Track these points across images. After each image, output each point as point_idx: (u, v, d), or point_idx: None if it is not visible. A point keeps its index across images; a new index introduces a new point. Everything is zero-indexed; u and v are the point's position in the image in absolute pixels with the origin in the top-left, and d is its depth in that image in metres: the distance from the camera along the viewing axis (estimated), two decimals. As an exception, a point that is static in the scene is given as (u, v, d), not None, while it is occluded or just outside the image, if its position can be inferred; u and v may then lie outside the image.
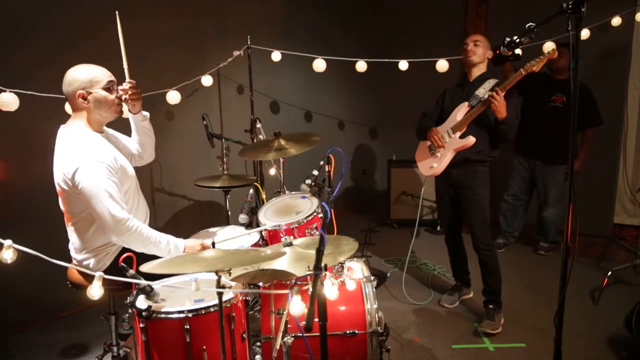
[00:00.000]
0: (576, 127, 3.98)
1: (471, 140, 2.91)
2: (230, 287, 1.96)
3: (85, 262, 2.23)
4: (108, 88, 2.19)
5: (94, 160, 2.05)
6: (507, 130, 2.86)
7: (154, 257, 1.98)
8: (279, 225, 2.54)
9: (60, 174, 2.10)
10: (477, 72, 3.02)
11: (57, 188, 2.17)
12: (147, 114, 2.50)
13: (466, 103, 2.98)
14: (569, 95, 3.82)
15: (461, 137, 2.97)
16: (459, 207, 3.16)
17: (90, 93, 2.15)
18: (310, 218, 2.57)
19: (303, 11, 4.86)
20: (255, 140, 3.77)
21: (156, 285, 1.97)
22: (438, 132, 3.05)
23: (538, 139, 4.02)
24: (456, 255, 3.39)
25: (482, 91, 2.92)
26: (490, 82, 2.94)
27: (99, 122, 2.24)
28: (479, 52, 2.97)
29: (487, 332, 2.96)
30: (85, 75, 2.15)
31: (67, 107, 2.96)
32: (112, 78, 2.23)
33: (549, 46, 3.86)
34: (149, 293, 1.86)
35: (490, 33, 4.93)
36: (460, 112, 2.99)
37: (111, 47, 3.37)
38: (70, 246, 2.30)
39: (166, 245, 2.20)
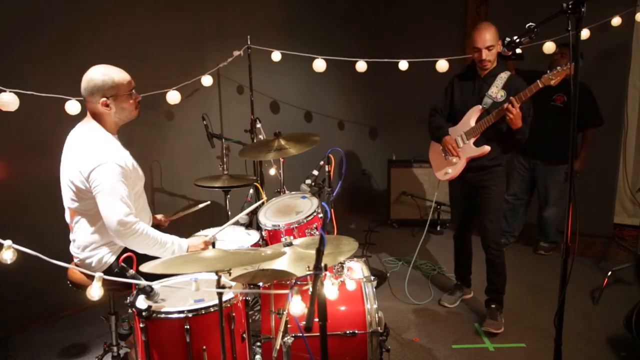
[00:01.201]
0: (576, 127, 4.00)
1: (486, 149, 2.89)
2: (230, 287, 1.96)
3: (87, 261, 2.23)
4: (129, 94, 2.20)
5: (111, 162, 2.07)
6: (522, 138, 2.83)
7: (154, 257, 1.99)
8: (279, 225, 2.54)
9: (75, 172, 2.10)
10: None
11: (69, 184, 2.16)
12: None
13: (479, 106, 2.90)
14: (570, 95, 3.83)
15: (475, 143, 2.92)
16: (472, 206, 3.12)
17: (114, 101, 2.16)
18: (310, 218, 2.57)
19: (303, 11, 4.86)
20: (255, 140, 3.77)
21: (156, 285, 1.98)
22: (453, 142, 2.99)
23: (538, 139, 4.01)
24: (462, 255, 3.37)
25: (495, 90, 2.85)
26: (502, 78, 2.86)
27: (116, 124, 2.26)
28: (493, 56, 2.85)
29: (490, 332, 2.95)
30: (107, 81, 2.13)
31: (68, 107, 2.97)
32: (133, 83, 2.23)
33: (549, 47, 3.86)
34: (149, 293, 1.86)
35: (490, 33, 4.93)
36: (474, 117, 2.92)
37: (110, 46, 3.40)
38: (72, 245, 2.30)
39: (171, 246, 2.21)
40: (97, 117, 2.20)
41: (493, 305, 3.07)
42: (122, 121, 2.27)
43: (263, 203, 2.87)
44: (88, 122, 2.21)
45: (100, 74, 2.14)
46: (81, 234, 2.23)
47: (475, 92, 2.95)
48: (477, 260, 3.30)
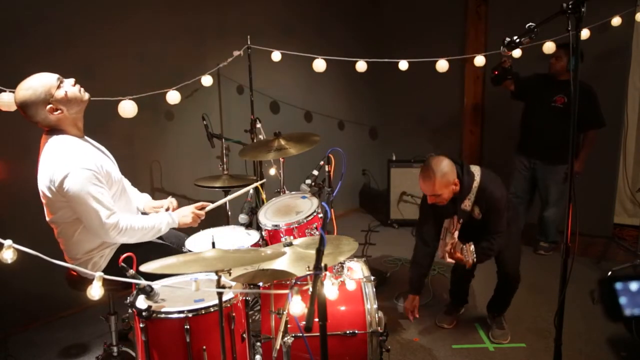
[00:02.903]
0: (577, 128, 3.99)
1: (448, 261, 2.77)
2: (230, 287, 1.96)
3: (81, 267, 2.21)
4: (59, 85, 2.08)
5: (81, 167, 2.03)
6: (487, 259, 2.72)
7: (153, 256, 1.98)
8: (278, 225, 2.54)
9: (45, 181, 2.07)
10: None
11: (43, 198, 2.15)
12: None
13: (456, 219, 2.73)
14: (570, 96, 3.84)
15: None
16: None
17: (57, 100, 2.06)
18: (310, 218, 2.57)
19: (303, 11, 4.87)
20: (255, 140, 3.77)
21: (156, 285, 1.97)
22: (411, 306, 2.87)
23: (539, 139, 4.02)
24: (462, 284, 3.18)
25: (468, 203, 2.67)
26: (473, 193, 2.66)
27: (76, 124, 2.18)
28: (445, 197, 2.62)
29: (501, 343, 2.89)
30: (38, 89, 2.04)
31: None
32: (55, 75, 2.10)
33: (549, 47, 3.86)
34: (149, 293, 1.86)
35: (490, 33, 4.94)
36: (453, 227, 2.75)
37: (109, 46, 3.40)
38: (65, 257, 2.29)
39: (158, 225, 2.25)
40: (55, 129, 2.13)
41: (496, 313, 3.02)
42: (78, 113, 2.16)
43: (262, 184, 2.89)
44: (51, 136, 2.13)
45: (26, 91, 2.04)
46: (67, 245, 2.23)
47: (447, 210, 2.76)
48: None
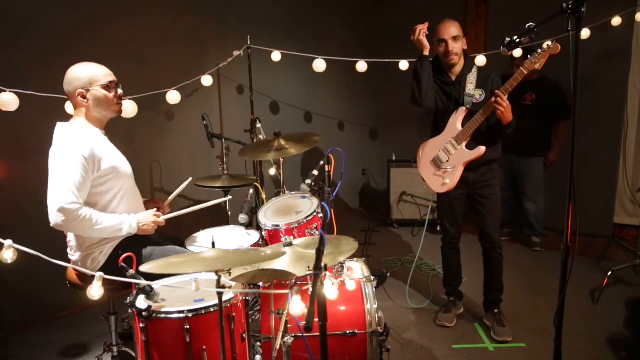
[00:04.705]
0: (549, 120, 4.07)
1: (482, 150, 2.71)
2: (230, 287, 1.96)
3: (81, 263, 2.23)
4: (107, 86, 2.22)
5: (75, 149, 2.08)
6: (512, 132, 2.74)
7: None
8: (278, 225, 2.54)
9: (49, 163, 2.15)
10: (458, 68, 2.84)
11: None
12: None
13: (463, 108, 2.78)
14: (538, 94, 3.98)
15: (468, 146, 2.76)
16: (467, 209, 3.02)
17: (89, 91, 2.19)
18: (310, 218, 2.57)
19: (303, 11, 4.87)
20: (255, 140, 3.77)
21: (156, 285, 1.97)
22: (420, 28, 2.97)
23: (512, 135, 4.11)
24: (455, 267, 3.19)
25: (471, 88, 2.76)
26: (473, 73, 2.79)
27: (98, 121, 2.27)
28: (460, 49, 2.80)
29: (505, 341, 2.88)
30: (85, 74, 2.19)
31: (67, 107, 2.97)
32: (112, 77, 2.26)
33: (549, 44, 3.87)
34: (149, 293, 1.86)
35: (490, 33, 4.94)
36: (459, 120, 2.79)
37: (109, 46, 3.40)
38: (68, 246, 2.31)
39: (116, 225, 2.17)
40: (79, 113, 2.24)
41: (496, 310, 3.02)
42: (104, 117, 2.28)
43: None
44: (73, 119, 2.25)
45: (80, 67, 2.21)
46: (71, 236, 2.26)
47: (452, 94, 2.85)
48: (463, 258, 3.24)
